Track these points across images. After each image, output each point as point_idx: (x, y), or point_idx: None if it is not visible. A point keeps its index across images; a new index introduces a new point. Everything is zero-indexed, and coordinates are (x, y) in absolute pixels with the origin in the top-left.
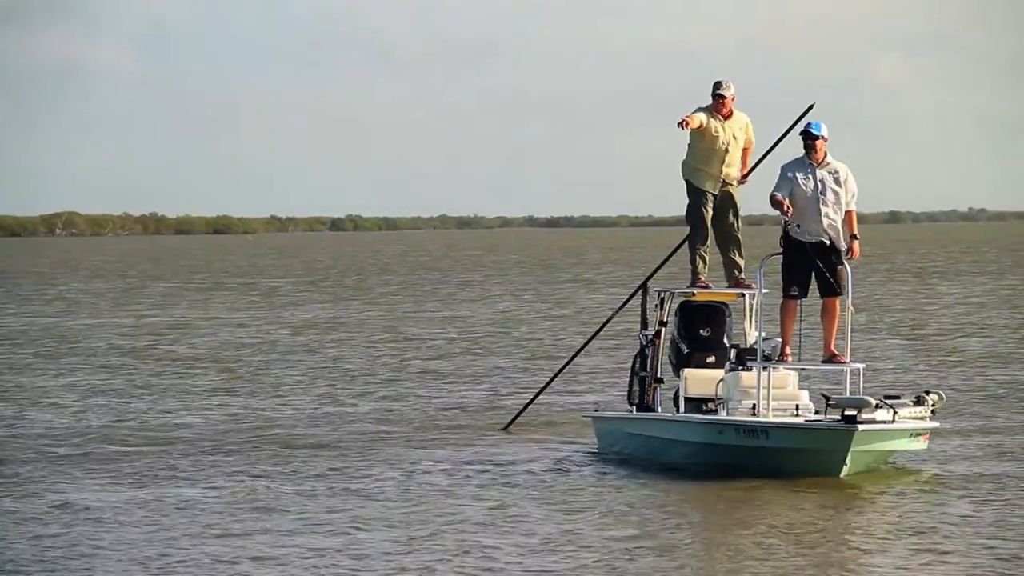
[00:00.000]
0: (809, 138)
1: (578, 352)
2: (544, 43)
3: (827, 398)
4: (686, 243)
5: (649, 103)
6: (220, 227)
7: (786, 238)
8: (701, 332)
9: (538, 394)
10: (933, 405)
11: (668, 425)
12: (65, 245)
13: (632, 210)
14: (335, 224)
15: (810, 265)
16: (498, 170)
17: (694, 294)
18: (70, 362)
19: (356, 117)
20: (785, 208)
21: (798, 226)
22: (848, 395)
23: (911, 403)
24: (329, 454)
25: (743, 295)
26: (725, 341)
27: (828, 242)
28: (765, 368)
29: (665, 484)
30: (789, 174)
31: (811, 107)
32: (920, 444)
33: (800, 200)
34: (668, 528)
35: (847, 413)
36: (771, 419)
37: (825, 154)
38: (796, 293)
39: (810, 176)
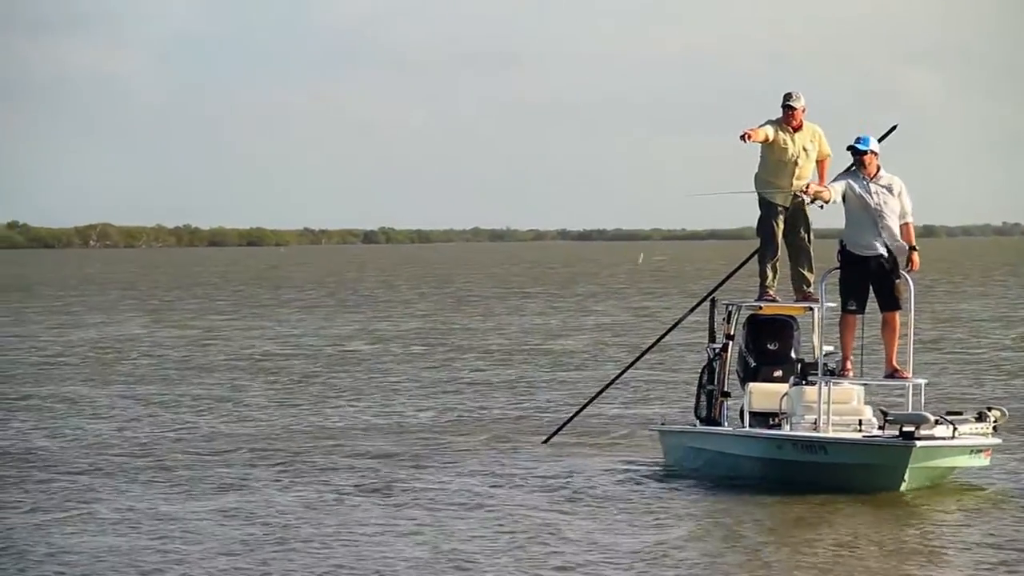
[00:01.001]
0: (856, 153)
1: (631, 365)
2: (569, 53)
3: (885, 413)
4: (755, 256)
5: (685, 114)
6: (253, 239)
7: (843, 252)
8: (768, 346)
9: (584, 406)
10: (995, 421)
11: (728, 439)
12: (108, 256)
13: (665, 223)
14: (368, 237)
15: (868, 279)
16: (530, 183)
17: (761, 307)
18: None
19: (388, 130)
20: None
21: (821, 205)
22: (908, 411)
23: (973, 419)
24: (380, 464)
25: (811, 309)
26: (792, 355)
27: (886, 255)
28: (826, 383)
29: (725, 499)
30: (844, 179)
31: (894, 127)
32: (982, 460)
33: (856, 214)
34: (725, 545)
35: (905, 429)
36: (829, 434)
37: (878, 168)
38: (854, 308)
39: (865, 190)
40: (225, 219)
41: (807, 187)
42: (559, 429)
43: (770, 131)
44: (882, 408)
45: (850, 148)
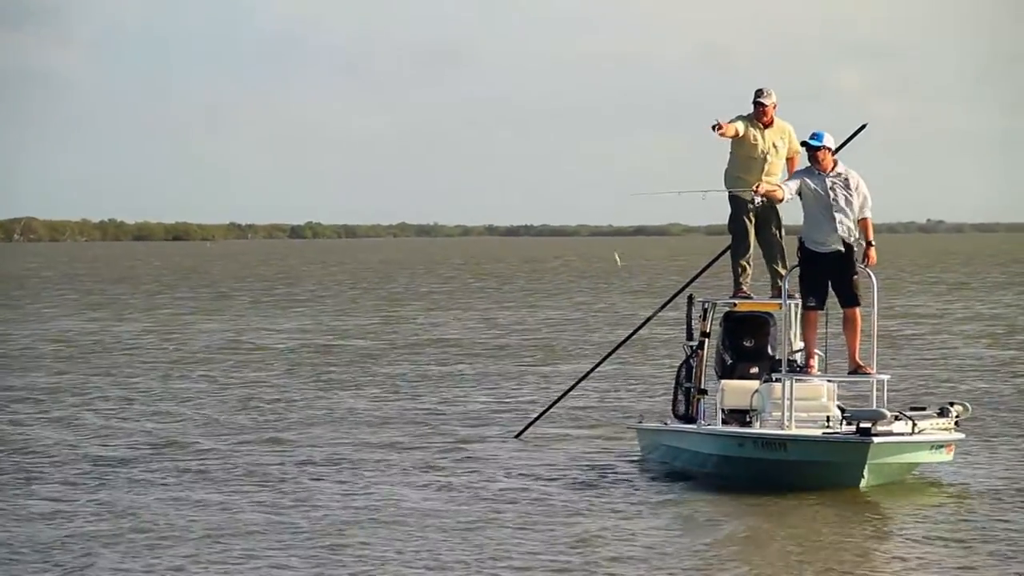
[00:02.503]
0: (810, 149)
1: (604, 359)
2: (506, 53)
3: (843, 410)
4: (727, 252)
5: (610, 113)
6: (179, 233)
7: (802, 249)
8: (745, 343)
9: (558, 400)
10: (957, 416)
11: (694, 437)
12: (43, 251)
13: (592, 219)
14: (294, 231)
15: (826, 276)
16: (457, 179)
17: (736, 304)
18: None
19: (315, 124)
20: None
21: (761, 201)
22: (865, 407)
23: (935, 415)
24: (345, 460)
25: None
26: (769, 351)
27: (843, 251)
28: (791, 380)
29: (690, 497)
30: (799, 178)
31: (863, 127)
32: (944, 456)
33: (812, 210)
34: (682, 542)
35: (862, 426)
36: (789, 432)
37: (834, 163)
38: (814, 304)
39: (820, 185)
40: (149, 213)
41: (756, 187)
42: (532, 423)
43: (740, 126)
44: (839, 405)
45: (804, 144)
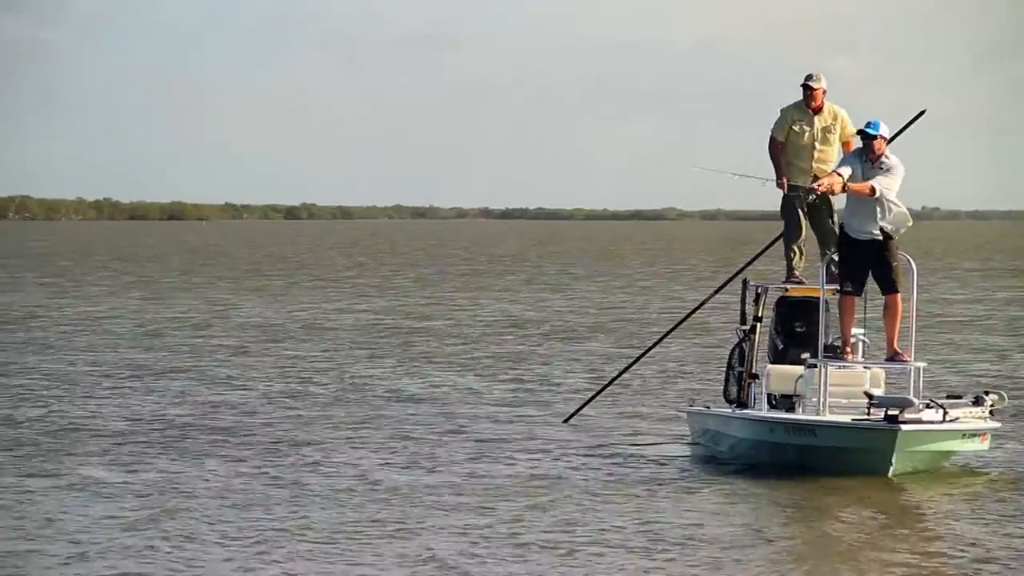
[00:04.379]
0: (866, 137)
1: (656, 343)
2: (502, 36)
3: (870, 397)
4: (780, 239)
5: (606, 98)
6: (174, 213)
7: (842, 235)
8: (796, 327)
9: (608, 384)
10: (992, 405)
11: (729, 422)
12: (37, 230)
13: (587, 203)
14: (290, 212)
15: (865, 262)
16: (452, 161)
17: (787, 289)
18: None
19: (310, 105)
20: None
21: (815, 198)
22: (894, 394)
23: (970, 403)
24: (398, 442)
25: (838, 291)
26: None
27: (881, 239)
28: (826, 366)
29: (742, 481)
30: (850, 163)
31: (922, 113)
32: (978, 445)
33: (853, 197)
34: (739, 529)
35: (890, 413)
36: (817, 417)
37: (883, 153)
38: (850, 289)
39: (862, 174)
40: (145, 193)
41: (818, 186)
42: (581, 407)
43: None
44: (866, 391)
45: (859, 131)
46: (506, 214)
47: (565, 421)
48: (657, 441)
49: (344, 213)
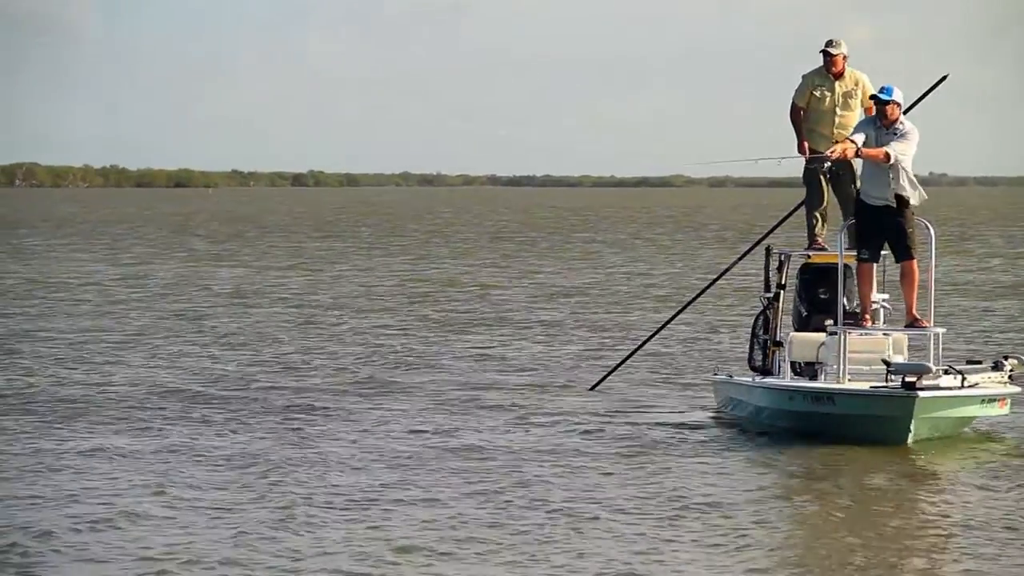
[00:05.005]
0: (879, 103)
1: (680, 311)
2: (511, 4)
3: (887, 364)
4: (803, 205)
5: (614, 66)
6: (181, 180)
7: (857, 202)
8: (820, 294)
9: (634, 352)
10: (1012, 370)
11: (749, 390)
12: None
13: (594, 170)
14: (297, 179)
15: (880, 228)
16: (459, 128)
17: (810, 256)
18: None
19: (317, 72)
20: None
21: (831, 166)
22: (911, 361)
23: (989, 368)
24: (426, 410)
25: (860, 258)
26: (844, 303)
27: (895, 205)
28: (848, 332)
29: (737, 448)
30: (863, 129)
31: (944, 77)
32: (997, 410)
33: (868, 163)
34: (771, 497)
35: (907, 380)
36: (835, 385)
37: (897, 118)
38: (866, 256)
39: (879, 139)
40: (153, 160)
41: (831, 152)
42: (608, 375)
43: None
44: (883, 358)
45: (872, 97)
46: (513, 181)
47: (592, 388)
48: (682, 409)
49: (351, 180)
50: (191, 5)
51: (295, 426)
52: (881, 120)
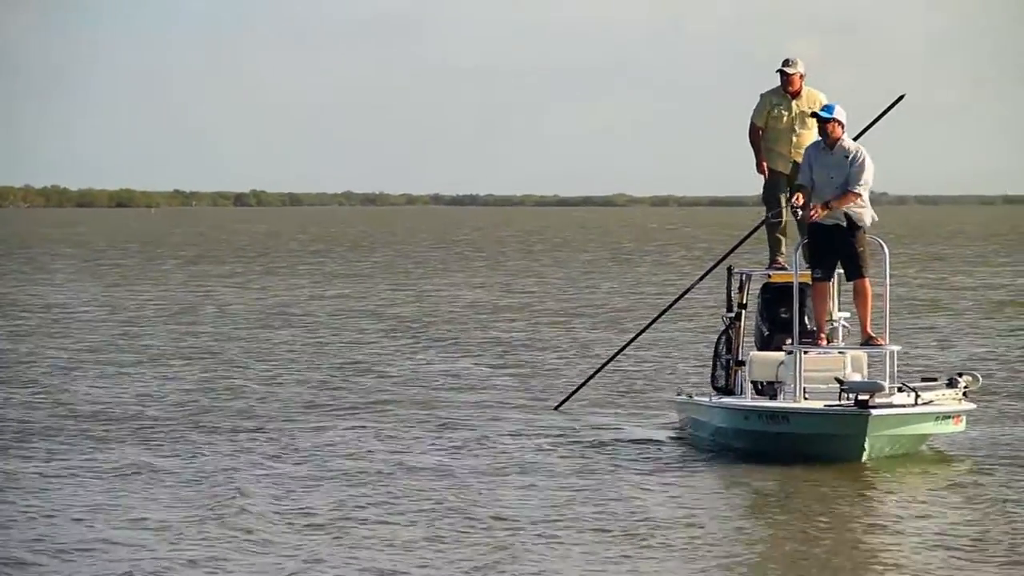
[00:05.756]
0: (821, 121)
1: (643, 331)
2: (453, 20)
3: (840, 382)
4: (763, 224)
5: (559, 83)
6: (122, 200)
7: (810, 222)
8: (782, 314)
9: (597, 371)
10: (966, 387)
11: (706, 410)
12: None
13: (537, 190)
14: (239, 199)
15: (831, 248)
16: (401, 148)
17: (771, 276)
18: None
19: (259, 91)
20: (797, 199)
21: (799, 210)
22: (863, 379)
23: (944, 386)
24: (389, 429)
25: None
26: (806, 322)
27: (844, 224)
28: (802, 351)
29: (696, 468)
30: (809, 161)
31: (901, 97)
32: (952, 427)
33: (819, 185)
34: (730, 521)
35: (860, 398)
36: (789, 404)
37: (840, 137)
38: (820, 275)
39: (824, 159)
40: (93, 180)
41: (813, 214)
42: (572, 394)
43: (757, 120)
44: (836, 377)
45: (814, 114)
46: (456, 200)
47: (556, 408)
48: (646, 429)
49: (294, 200)
50: (130, 24)
51: (248, 445)
52: (824, 140)
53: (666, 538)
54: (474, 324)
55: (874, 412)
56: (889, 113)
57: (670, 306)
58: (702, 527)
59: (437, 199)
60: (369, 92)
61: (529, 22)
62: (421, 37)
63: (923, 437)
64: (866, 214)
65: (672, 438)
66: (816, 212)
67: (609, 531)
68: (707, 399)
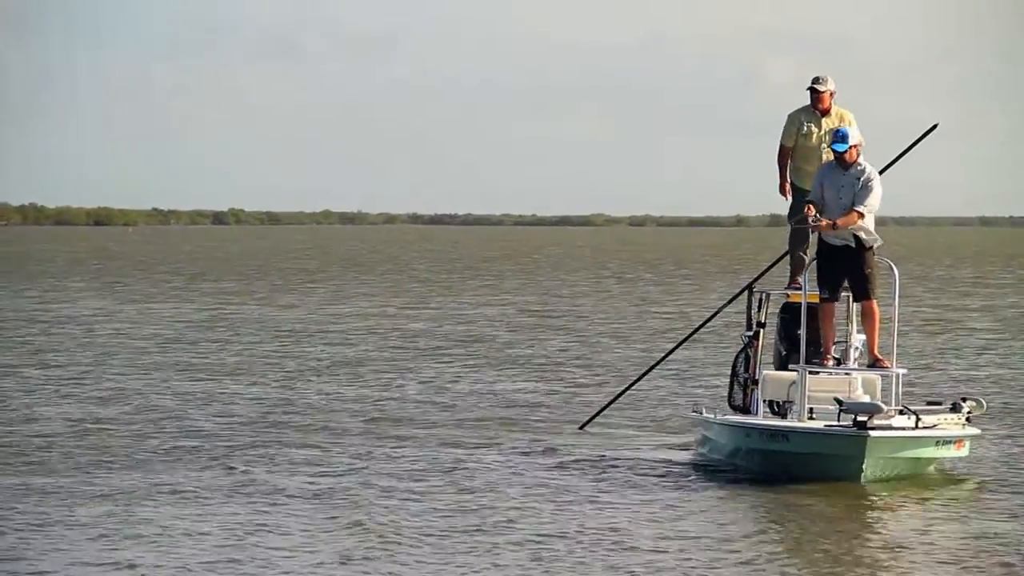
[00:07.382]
0: (839, 154)
1: (670, 352)
2: (432, 36)
3: (840, 403)
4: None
5: (537, 100)
6: (100, 218)
7: (819, 241)
8: (799, 333)
9: (623, 391)
10: (969, 412)
11: (714, 428)
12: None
13: (515, 209)
14: (217, 217)
15: (840, 269)
16: (379, 167)
17: (789, 295)
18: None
19: (238, 109)
20: (807, 211)
21: (813, 219)
22: (862, 400)
23: (947, 410)
24: (416, 449)
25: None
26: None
27: (854, 245)
28: (805, 371)
29: (704, 486)
30: (820, 179)
31: (934, 127)
32: (954, 451)
33: (829, 203)
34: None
35: (859, 419)
36: (790, 423)
37: (855, 159)
38: (827, 296)
39: (836, 180)
40: (71, 198)
41: (823, 227)
42: (597, 414)
43: (787, 142)
44: (836, 397)
45: (832, 148)
46: (435, 220)
47: (581, 427)
48: (665, 448)
49: (272, 219)
50: (106, 38)
51: (253, 469)
52: (839, 165)
53: (668, 560)
54: (523, 341)
55: (872, 434)
56: (865, 131)
57: (700, 327)
58: (713, 547)
59: (415, 218)
60: (350, 109)
61: (515, 41)
62: (403, 56)
63: (926, 461)
64: (873, 239)
65: (688, 458)
66: (824, 224)
67: (634, 547)
68: (713, 415)
